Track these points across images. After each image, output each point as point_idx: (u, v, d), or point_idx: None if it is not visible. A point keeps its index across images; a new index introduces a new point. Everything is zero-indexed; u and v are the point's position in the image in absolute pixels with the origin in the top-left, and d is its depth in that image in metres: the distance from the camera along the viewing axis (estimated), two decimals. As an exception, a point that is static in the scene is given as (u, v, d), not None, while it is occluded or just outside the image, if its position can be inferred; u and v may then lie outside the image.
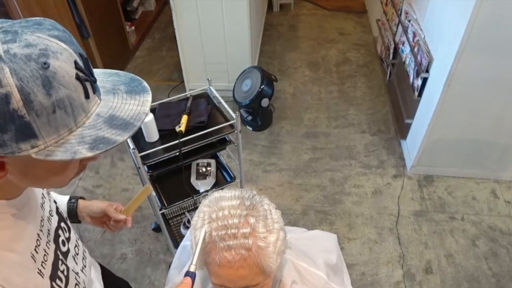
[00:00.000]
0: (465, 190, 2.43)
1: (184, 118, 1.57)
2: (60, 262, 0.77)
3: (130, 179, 2.56)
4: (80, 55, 0.54)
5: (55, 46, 0.51)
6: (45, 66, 0.48)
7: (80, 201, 1.03)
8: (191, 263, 0.71)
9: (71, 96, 0.51)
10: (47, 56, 0.49)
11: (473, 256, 2.09)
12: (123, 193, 2.46)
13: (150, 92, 0.62)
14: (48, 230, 0.76)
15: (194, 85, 3.07)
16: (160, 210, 1.72)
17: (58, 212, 0.85)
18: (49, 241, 0.75)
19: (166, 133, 1.57)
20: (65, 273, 0.78)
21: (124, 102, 0.59)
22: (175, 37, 2.90)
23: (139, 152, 1.46)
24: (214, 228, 0.72)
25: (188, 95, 1.73)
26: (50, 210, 0.80)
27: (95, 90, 0.57)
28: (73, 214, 1.01)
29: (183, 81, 3.18)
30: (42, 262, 0.69)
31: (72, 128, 0.53)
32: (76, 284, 0.82)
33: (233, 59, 2.98)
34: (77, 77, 0.52)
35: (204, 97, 1.75)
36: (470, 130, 2.24)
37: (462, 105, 2.12)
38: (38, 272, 0.67)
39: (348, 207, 2.35)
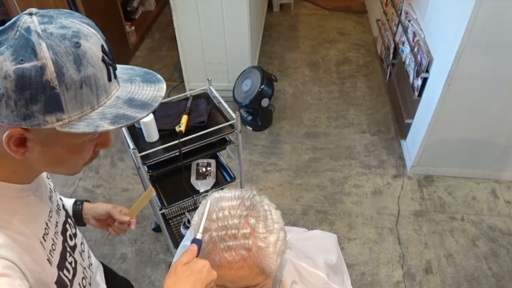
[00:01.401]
0: (465, 190, 2.43)
1: (184, 118, 1.57)
2: (68, 254, 0.79)
3: (130, 179, 2.56)
4: (106, 42, 0.59)
5: (86, 30, 0.56)
6: (77, 45, 0.54)
7: (85, 204, 1.04)
8: (198, 232, 0.72)
9: (97, 75, 0.56)
10: (79, 37, 0.54)
11: (473, 256, 2.09)
12: (123, 193, 2.46)
13: (164, 82, 0.67)
14: (56, 222, 0.77)
15: (194, 85, 3.07)
16: (160, 210, 1.72)
17: (65, 208, 0.86)
18: (57, 232, 0.76)
19: (166, 133, 1.57)
20: (73, 265, 0.79)
21: (141, 88, 0.63)
22: (175, 37, 2.90)
23: (139, 152, 1.46)
24: (214, 228, 0.72)
25: (188, 95, 1.73)
26: (57, 204, 0.82)
27: (115, 76, 0.61)
28: (78, 217, 1.02)
29: (183, 81, 3.18)
30: (51, 250, 0.71)
31: (94, 106, 0.57)
32: (83, 278, 0.83)
33: (233, 59, 2.98)
34: (103, 60, 0.57)
35: (204, 97, 1.75)
36: (470, 130, 2.24)
37: (462, 105, 2.12)
38: (47, 259, 0.69)
39: (348, 207, 2.35)
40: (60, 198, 0.88)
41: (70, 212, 1.01)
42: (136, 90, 0.63)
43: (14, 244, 0.61)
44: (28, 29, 0.52)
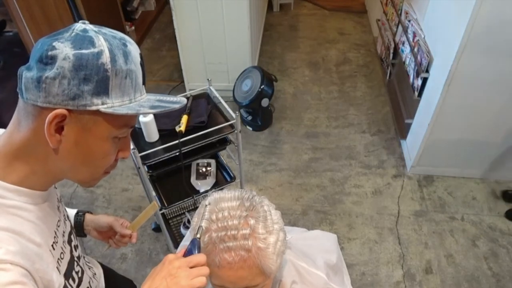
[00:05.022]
0: (465, 190, 2.43)
1: (184, 118, 1.57)
2: (75, 263, 0.79)
3: (130, 179, 2.56)
4: (141, 54, 0.67)
5: (128, 39, 0.65)
6: (125, 45, 0.62)
7: (87, 215, 1.05)
8: (196, 233, 0.71)
9: (136, 73, 0.64)
10: (125, 41, 0.63)
11: (473, 256, 2.09)
12: (123, 193, 2.46)
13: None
14: (63, 232, 0.78)
15: (194, 85, 3.07)
16: (160, 210, 1.72)
17: (69, 219, 0.87)
18: (65, 241, 0.77)
19: (166, 133, 1.57)
20: (79, 274, 0.80)
21: (165, 96, 0.70)
22: (175, 37, 2.90)
23: (139, 152, 1.46)
24: (214, 229, 0.72)
25: (188, 95, 1.73)
26: (64, 215, 0.82)
27: (145, 84, 0.69)
28: (80, 228, 1.03)
29: (183, 81, 3.18)
30: (59, 259, 0.71)
31: (132, 100, 0.64)
32: (89, 280, 0.84)
33: (233, 59, 2.98)
34: (141, 64, 0.66)
35: (204, 97, 1.75)
36: (470, 130, 2.24)
37: (462, 105, 2.12)
38: (56, 267, 0.69)
39: (348, 207, 2.35)
40: (65, 210, 0.88)
41: (72, 223, 1.02)
42: (162, 97, 0.69)
43: (28, 251, 0.62)
44: (84, 30, 0.60)
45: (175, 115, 1.62)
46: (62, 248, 0.74)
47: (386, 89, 3.24)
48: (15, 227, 0.61)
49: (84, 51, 0.57)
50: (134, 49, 0.64)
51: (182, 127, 1.54)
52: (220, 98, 1.73)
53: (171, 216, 2.12)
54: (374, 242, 2.16)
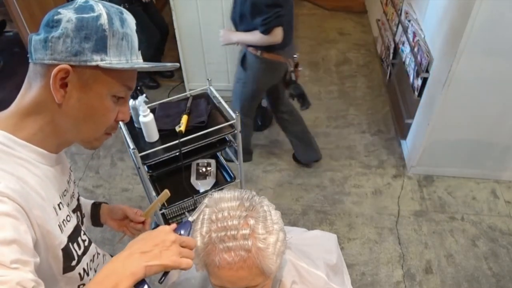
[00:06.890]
0: (465, 190, 2.43)
1: (184, 118, 1.57)
2: (82, 232, 0.81)
3: (130, 179, 2.56)
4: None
5: (125, 11, 0.73)
6: (121, 13, 0.70)
7: (103, 205, 1.07)
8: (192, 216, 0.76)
9: (133, 38, 0.71)
10: (122, 11, 0.71)
11: (473, 256, 2.09)
12: (123, 193, 2.46)
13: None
14: (68, 204, 0.79)
15: (194, 85, 3.07)
16: (160, 210, 1.72)
17: (78, 201, 0.88)
18: (70, 211, 0.78)
19: (166, 133, 1.57)
20: (86, 244, 0.81)
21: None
22: (175, 37, 2.90)
23: (139, 152, 1.46)
24: (214, 229, 0.72)
25: (188, 95, 1.73)
26: (73, 192, 0.85)
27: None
28: (96, 217, 1.05)
29: (183, 81, 3.18)
30: (64, 220, 0.74)
31: (128, 61, 0.70)
32: (91, 260, 0.84)
33: (233, 59, 2.97)
34: (136, 32, 0.73)
35: (204, 97, 1.75)
36: (470, 130, 2.24)
37: (462, 105, 2.12)
38: (58, 225, 0.71)
39: (348, 207, 2.35)
40: (78, 193, 0.90)
41: (88, 212, 1.04)
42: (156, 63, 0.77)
43: (29, 197, 0.64)
44: (86, 1, 0.68)
45: (175, 115, 1.62)
46: (68, 212, 0.76)
47: (386, 89, 3.24)
48: (20, 174, 0.64)
49: (85, 15, 0.65)
50: (130, 18, 0.72)
51: (182, 127, 1.54)
52: (220, 98, 1.73)
53: (171, 216, 2.11)
54: (374, 242, 2.16)
